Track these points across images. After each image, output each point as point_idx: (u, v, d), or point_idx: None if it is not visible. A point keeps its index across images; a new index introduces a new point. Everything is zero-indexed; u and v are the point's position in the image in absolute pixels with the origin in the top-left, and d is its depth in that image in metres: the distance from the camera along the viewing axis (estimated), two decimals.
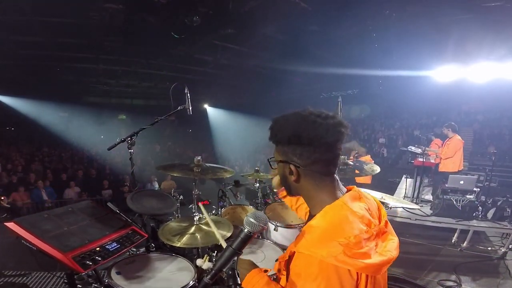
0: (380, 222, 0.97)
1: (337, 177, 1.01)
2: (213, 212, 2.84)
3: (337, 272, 0.80)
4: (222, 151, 15.38)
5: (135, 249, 2.21)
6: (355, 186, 1.05)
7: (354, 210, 0.90)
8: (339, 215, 0.89)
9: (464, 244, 4.41)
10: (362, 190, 1.05)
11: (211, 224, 1.57)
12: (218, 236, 1.39)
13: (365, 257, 0.83)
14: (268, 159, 1.10)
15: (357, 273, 0.83)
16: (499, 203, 4.40)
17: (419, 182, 5.38)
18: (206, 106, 16.87)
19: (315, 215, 0.96)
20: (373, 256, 0.85)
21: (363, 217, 0.90)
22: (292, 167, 0.97)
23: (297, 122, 0.94)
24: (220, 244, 1.75)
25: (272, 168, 1.09)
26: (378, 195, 2.80)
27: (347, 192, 1.01)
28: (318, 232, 0.88)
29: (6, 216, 6.32)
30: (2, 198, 6.77)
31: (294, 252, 0.91)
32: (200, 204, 1.72)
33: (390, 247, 0.90)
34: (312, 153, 0.93)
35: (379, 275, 0.90)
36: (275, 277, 1.10)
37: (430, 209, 4.77)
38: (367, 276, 0.84)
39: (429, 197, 5.59)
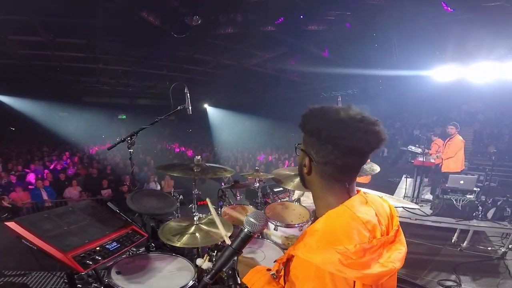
0: (388, 231, 0.92)
1: (350, 185, 0.95)
2: None
3: (333, 279, 0.79)
4: (222, 151, 15.39)
5: (135, 249, 2.21)
6: (361, 189, 1.01)
7: (358, 215, 0.87)
8: (341, 221, 0.86)
9: (464, 244, 4.40)
10: (372, 192, 1.02)
11: (217, 220, 1.54)
12: (223, 233, 1.39)
13: (363, 267, 0.79)
14: (295, 145, 1.04)
15: (354, 281, 0.80)
16: (499, 203, 4.40)
17: (419, 182, 5.38)
18: (206, 106, 16.88)
19: (319, 217, 0.93)
20: (372, 266, 0.81)
21: (367, 222, 0.86)
22: (307, 160, 0.94)
23: (327, 117, 0.89)
24: (222, 241, 1.75)
25: (296, 154, 1.03)
26: (377, 195, 2.80)
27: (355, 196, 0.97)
28: (317, 236, 0.86)
29: (7, 216, 6.31)
30: (4, 198, 6.77)
31: (293, 255, 0.89)
32: (208, 201, 1.69)
33: (394, 258, 0.86)
34: (329, 153, 0.87)
35: (379, 284, 0.86)
36: (275, 276, 1.10)
37: (430, 209, 4.76)
38: (363, 285, 0.81)
39: (429, 197, 5.58)
